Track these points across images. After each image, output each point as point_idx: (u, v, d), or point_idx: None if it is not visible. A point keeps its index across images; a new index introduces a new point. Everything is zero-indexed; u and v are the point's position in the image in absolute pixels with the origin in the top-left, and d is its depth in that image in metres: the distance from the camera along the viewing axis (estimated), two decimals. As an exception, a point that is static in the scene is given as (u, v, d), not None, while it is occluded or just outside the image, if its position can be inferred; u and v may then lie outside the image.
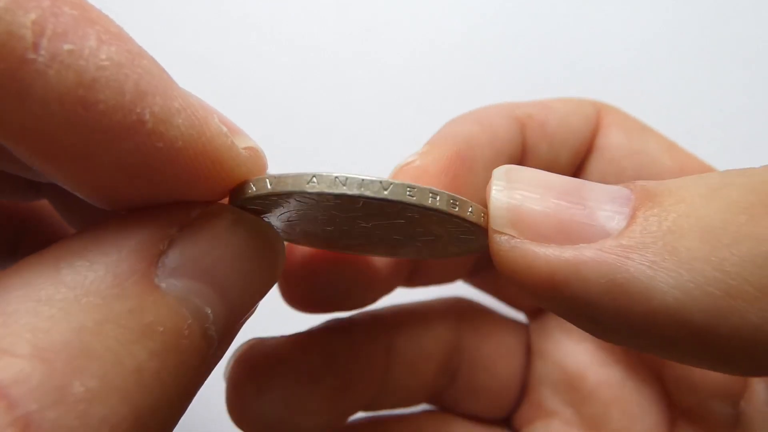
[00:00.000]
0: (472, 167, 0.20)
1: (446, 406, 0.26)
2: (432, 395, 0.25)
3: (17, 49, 0.11)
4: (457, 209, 0.15)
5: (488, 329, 0.26)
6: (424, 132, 0.22)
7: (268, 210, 0.16)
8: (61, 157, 0.13)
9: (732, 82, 0.40)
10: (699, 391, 0.22)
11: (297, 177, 0.14)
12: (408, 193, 0.14)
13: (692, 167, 0.23)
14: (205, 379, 0.15)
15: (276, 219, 0.17)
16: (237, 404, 0.21)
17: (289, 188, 0.14)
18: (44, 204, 0.25)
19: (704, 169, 0.23)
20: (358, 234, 0.18)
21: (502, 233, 0.15)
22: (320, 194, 0.14)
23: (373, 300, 0.23)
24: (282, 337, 0.23)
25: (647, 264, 0.13)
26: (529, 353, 0.26)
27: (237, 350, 0.22)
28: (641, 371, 0.24)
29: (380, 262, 0.22)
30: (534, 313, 0.27)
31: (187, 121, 0.13)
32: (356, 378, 0.22)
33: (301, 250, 0.21)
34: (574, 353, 0.25)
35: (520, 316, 0.28)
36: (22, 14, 0.12)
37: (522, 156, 0.22)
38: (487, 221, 0.15)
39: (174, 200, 0.14)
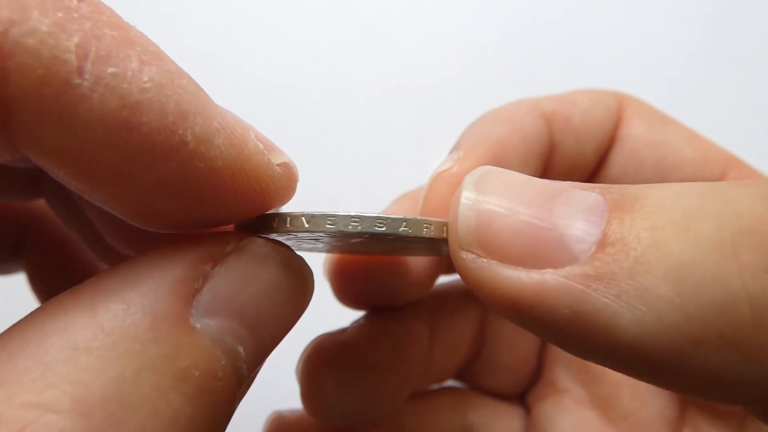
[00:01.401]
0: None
1: (467, 382, 0.27)
2: (458, 372, 0.26)
3: (62, 73, 0.11)
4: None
5: None
6: (423, 131, 0.22)
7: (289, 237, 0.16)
8: (103, 179, 0.13)
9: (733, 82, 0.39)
10: None
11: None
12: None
13: (714, 157, 0.23)
14: (232, 415, 0.15)
15: (285, 239, 0.17)
16: (316, 398, 0.22)
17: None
18: (44, 205, 0.25)
19: (726, 158, 0.23)
20: (362, 246, 0.18)
21: (469, 251, 0.14)
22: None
23: (424, 293, 0.23)
24: (347, 329, 0.23)
25: (611, 297, 0.13)
26: None
27: (308, 346, 0.22)
28: None
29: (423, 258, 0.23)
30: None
31: (227, 140, 0.13)
32: (415, 361, 0.23)
33: (355, 256, 0.22)
34: None
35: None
36: (65, 38, 0.11)
37: (549, 153, 0.22)
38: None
39: (211, 218, 0.14)
